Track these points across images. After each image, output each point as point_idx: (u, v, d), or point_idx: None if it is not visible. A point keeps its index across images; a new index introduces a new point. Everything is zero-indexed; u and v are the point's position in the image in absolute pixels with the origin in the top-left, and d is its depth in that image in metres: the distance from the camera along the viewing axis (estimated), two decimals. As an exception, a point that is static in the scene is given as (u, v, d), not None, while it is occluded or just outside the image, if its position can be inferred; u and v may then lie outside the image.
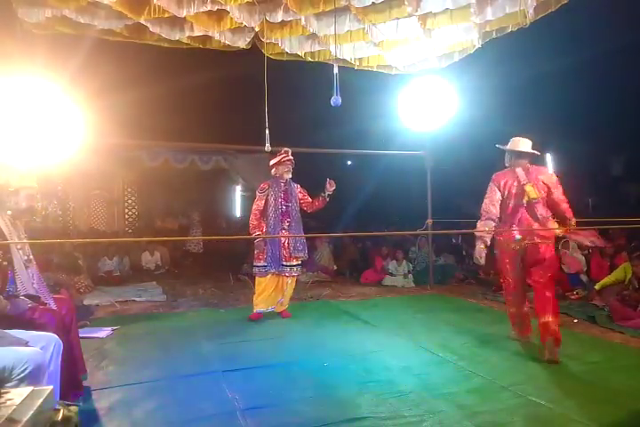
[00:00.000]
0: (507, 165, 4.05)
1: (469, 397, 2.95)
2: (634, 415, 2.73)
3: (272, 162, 5.09)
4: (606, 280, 5.49)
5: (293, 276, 5.10)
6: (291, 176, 5.08)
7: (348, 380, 3.25)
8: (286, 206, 4.99)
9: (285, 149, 5.02)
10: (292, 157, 5.03)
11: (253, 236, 5.05)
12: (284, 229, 4.98)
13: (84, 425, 2.17)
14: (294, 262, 5.03)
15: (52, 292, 3.03)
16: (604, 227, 6.93)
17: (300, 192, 5.17)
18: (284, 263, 4.96)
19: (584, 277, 6.50)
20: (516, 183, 3.87)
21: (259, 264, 4.98)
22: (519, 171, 3.90)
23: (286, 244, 5.01)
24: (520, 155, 3.96)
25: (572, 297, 6.02)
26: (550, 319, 3.66)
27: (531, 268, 3.85)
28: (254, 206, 5.04)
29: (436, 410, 2.77)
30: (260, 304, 4.99)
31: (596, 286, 5.57)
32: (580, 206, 13.18)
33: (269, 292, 5.00)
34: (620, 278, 5.28)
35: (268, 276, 4.96)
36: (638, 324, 4.51)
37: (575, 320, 4.94)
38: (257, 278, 5.03)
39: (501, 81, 8.92)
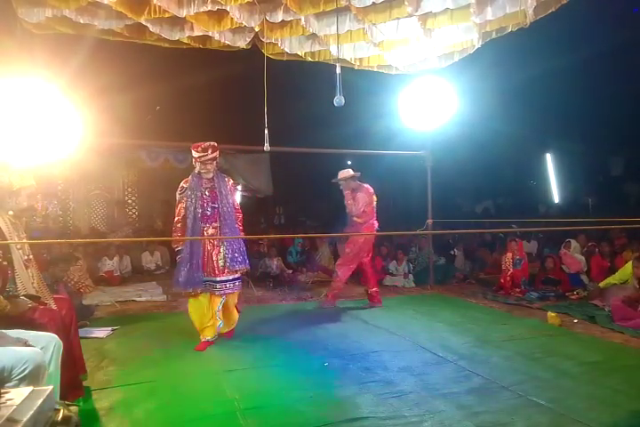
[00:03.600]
0: (345, 187, 5.62)
1: (469, 397, 2.95)
2: (634, 415, 2.73)
3: (193, 154, 4.09)
4: (610, 280, 5.49)
5: (228, 293, 4.10)
6: (212, 175, 4.13)
7: (348, 380, 3.25)
8: (212, 208, 4.05)
9: (210, 143, 4.05)
10: (215, 155, 4.07)
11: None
12: (209, 235, 4.06)
13: (84, 425, 2.16)
14: (230, 277, 4.06)
15: (51, 291, 3.03)
16: (604, 227, 6.93)
17: (232, 189, 4.29)
18: (215, 279, 4.01)
19: (584, 278, 6.51)
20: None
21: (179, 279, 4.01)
22: (367, 186, 5.68)
23: (214, 254, 4.03)
24: (355, 178, 5.69)
25: (572, 297, 6.02)
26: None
27: (368, 253, 5.69)
28: (177, 209, 4.10)
29: (437, 410, 2.77)
30: (205, 332, 4.07)
31: (601, 284, 5.56)
32: (579, 206, 13.24)
33: (201, 313, 4.06)
34: (624, 278, 5.27)
35: (199, 296, 4.02)
36: (638, 324, 4.51)
37: (575, 320, 4.93)
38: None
39: (501, 81, 8.91)
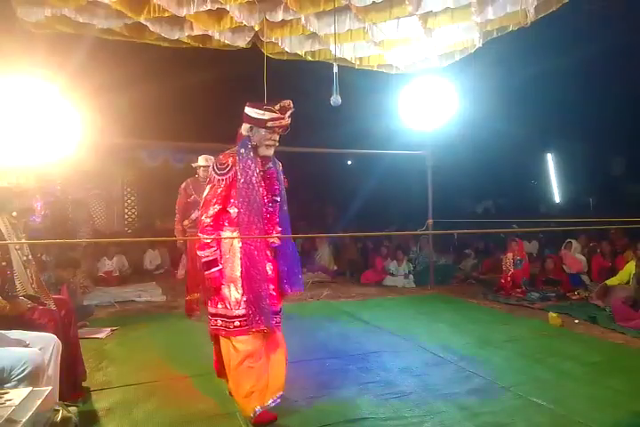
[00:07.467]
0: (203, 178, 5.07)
1: (470, 397, 2.95)
2: (635, 416, 2.72)
3: (251, 114, 2.69)
4: (613, 280, 5.47)
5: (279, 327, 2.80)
6: (272, 154, 2.78)
7: (348, 380, 3.25)
8: (274, 202, 2.73)
9: (287, 102, 2.66)
10: (289, 121, 2.70)
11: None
12: (272, 244, 2.72)
13: (83, 426, 2.15)
14: (280, 305, 2.80)
15: (52, 290, 3.03)
16: (605, 227, 6.92)
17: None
18: (276, 308, 2.74)
19: (585, 278, 6.50)
20: None
21: (232, 313, 2.64)
22: None
23: (271, 271, 2.71)
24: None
25: (573, 297, 6.01)
26: None
27: None
28: (209, 199, 2.63)
29: (437, 411, 2.76)
30: (259, 396, 2.59)
31: (607, 282, 5.52)
32: (580, 206, 13.24)
33: (260, 365, 2.63)
34: (625, 279, 5.26)
35: (251, 335, 2.61)
36: (639, 324, 4.50)
37: (576, 321, 4.93)
38: (226, 342, 2.69)
39: (502, 81, 8.90)
